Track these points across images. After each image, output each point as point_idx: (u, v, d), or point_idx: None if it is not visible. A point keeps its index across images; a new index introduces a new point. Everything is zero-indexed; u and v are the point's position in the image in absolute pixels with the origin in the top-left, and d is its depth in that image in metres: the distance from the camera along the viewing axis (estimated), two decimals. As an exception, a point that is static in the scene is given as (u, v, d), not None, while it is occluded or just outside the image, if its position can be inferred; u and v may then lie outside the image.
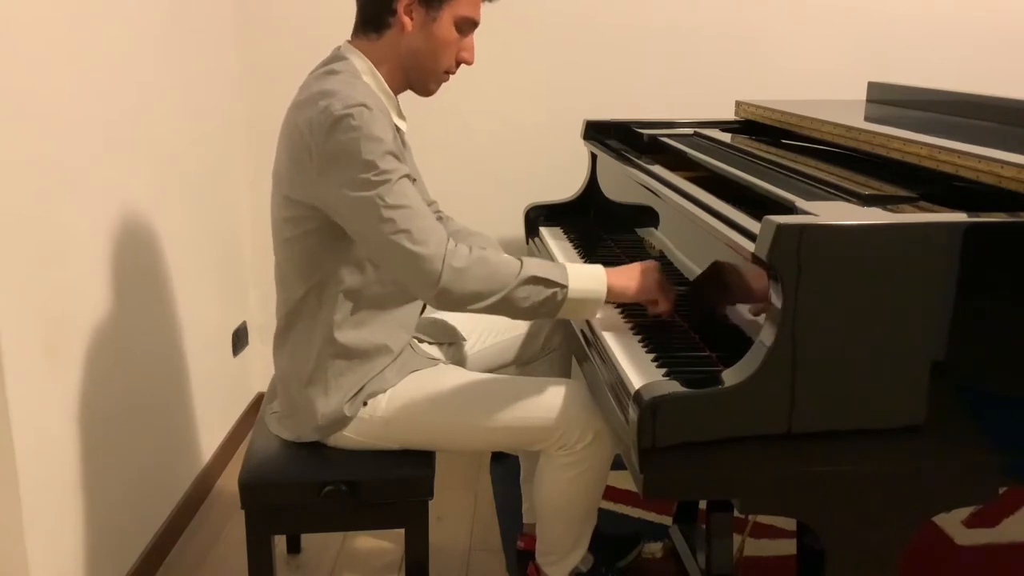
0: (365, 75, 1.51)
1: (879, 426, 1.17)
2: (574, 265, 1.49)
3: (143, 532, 1.98)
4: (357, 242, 1.47)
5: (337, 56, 1.53)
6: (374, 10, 1.51)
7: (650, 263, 1.53)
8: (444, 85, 1.59)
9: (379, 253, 1.45)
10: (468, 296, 1.41)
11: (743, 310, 1.32)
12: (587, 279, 1.47)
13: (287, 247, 1.54)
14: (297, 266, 1.53)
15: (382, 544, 2.13)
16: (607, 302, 1.49)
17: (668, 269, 1.64)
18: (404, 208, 1.40)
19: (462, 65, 1.58)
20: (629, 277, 1.50)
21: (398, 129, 1.55)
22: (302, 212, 1.49)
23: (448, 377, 1.61)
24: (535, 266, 1.45)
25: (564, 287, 1.45)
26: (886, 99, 2.11)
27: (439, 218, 1.85)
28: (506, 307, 1.44)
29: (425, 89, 1.58)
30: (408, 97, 1.63)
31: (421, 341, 1.77)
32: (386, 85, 1.53)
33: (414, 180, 1.71)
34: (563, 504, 1.62)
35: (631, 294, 1.49)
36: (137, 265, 1.93)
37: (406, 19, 1.49)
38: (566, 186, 2.31)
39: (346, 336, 1.54)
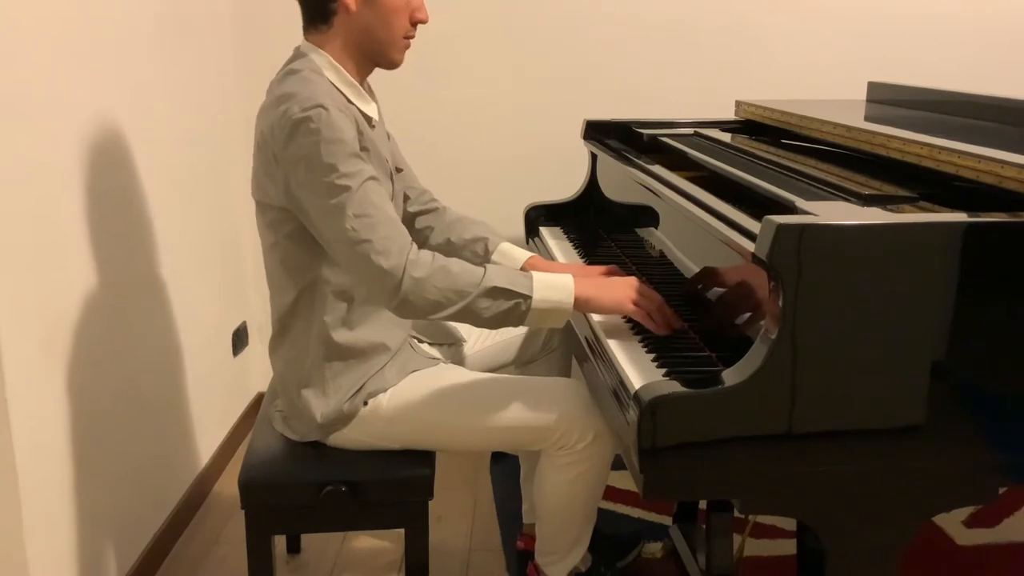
0: (326, 69, 1.49)
1: (879, 426, 1.17)
2: (542, 274, 1.48)
3: (143, 532, 1.98)
4: (323, 244, 1.47)
5: (297, 55, 1.52)
6: (315, 3, 1.50)
7: (629, 279, 1.51)
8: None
9: (341, 259, 1.45)
10: (429, 306, 1.41)
11: (743, 310, 1.32)
12: (553, 289, 1.46)
13: (272, 252, 1.54)
14: (285, 270, 1.53)
15: (382, 544, 2.13)
16: (576, 311, 1.48)
17: (668, 269, 1.64)
18: (366, 217, 1.39)
19: (425, 31, 1.56)
20: (599, 288, 1.48)
21: (368, 118, 1.55)
22: (278, 216, 1.49)
23: (449, 377, 1.61)
24: (498, 276, 1.44)
25: (528, 298, 1.44)
26: (886, 99, 2.11)
27: (434, 208, 1.83)
28: (469, 316, 1.44)
29: (390, 61, 1.55)
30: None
31: (421, 342, 1.77)
32: (348, 75, 1.52)
33: (400, 170, 1.71)
34: (563, 504, 1.62)
35: (599, 305, 1.48)
36: (136, 265, 1.93)
37: (348, 0, 1.48)
38: (566, 186, 2.31)
39: (341, 336, 1.54)
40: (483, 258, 1.75)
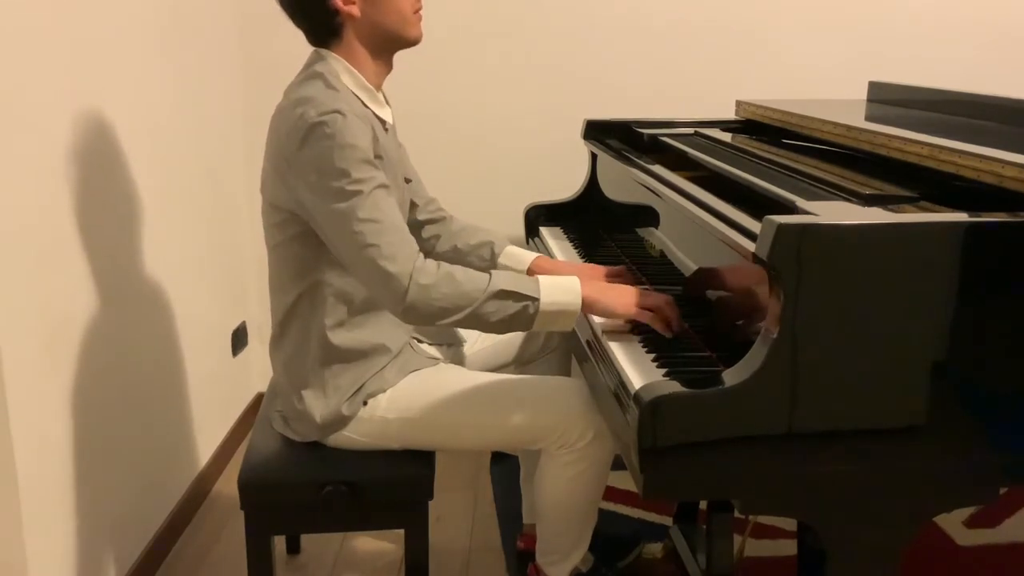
0: (343, 74, 1.49)
1: (880, 426, 1.17)
2: (548, 277, 1.48)
3: (142, 533, 1.98)
4: (330, 249, 1.47)
5: (316, 58, 1.52)
6: (318, 24, 1.49)
7: (634, 288, 1.51)
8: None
9: (349, 264, 1.46)
10: (435, 312, 1.41)
11: (743, 310, 1.32)
12: (561, 291, 1.46)
13: (276, 253, 1.54)
14: (288, 271, 1.53)
15: (382, 544, 2.12)
16: (583, 313, 1.48)
17: (668, 269, 1.64)
18: (374, 222, 1.39)
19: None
20: (606, 291, 1.48)
21: (383, 121, 1.54)
22: (286, 217, 1.49)
23: (449, 376, 1.61)
24: (505, 280, 1.44)
25: (536, 300, 1.44)
26: (887, 99, 2.11)
27: (441, 217, 1.84)
28: (476, 322, 1.44)
29: (410, 40, 1.54)
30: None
31: (420, 342, 1.77)
32: (364, 80, 1.51)
33: (409, 181, 1.72)
34: (564, 503, 1.61)
35: (606, 307, 1.47)
36: (136, 265, 1.93)
37: (351, 8, 1.47)
38: (566, 186, 2.30)
39: (341, 339, 1.53)
40: (489, 262, 1.75)
